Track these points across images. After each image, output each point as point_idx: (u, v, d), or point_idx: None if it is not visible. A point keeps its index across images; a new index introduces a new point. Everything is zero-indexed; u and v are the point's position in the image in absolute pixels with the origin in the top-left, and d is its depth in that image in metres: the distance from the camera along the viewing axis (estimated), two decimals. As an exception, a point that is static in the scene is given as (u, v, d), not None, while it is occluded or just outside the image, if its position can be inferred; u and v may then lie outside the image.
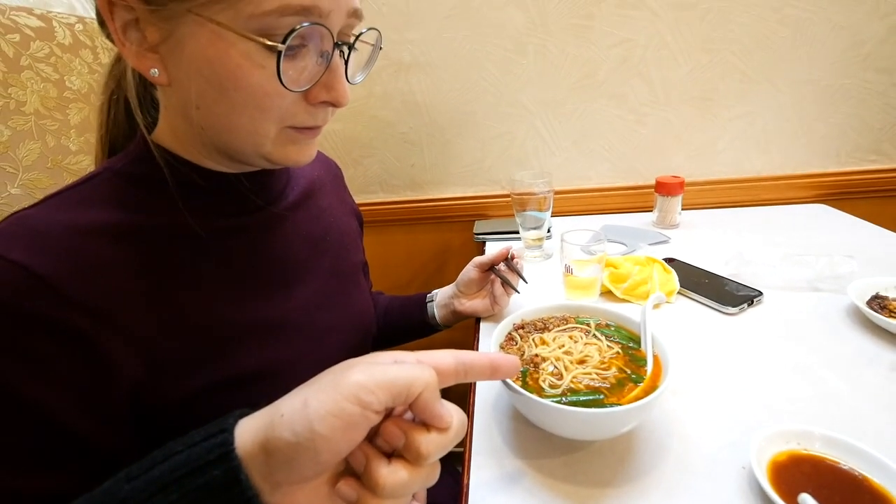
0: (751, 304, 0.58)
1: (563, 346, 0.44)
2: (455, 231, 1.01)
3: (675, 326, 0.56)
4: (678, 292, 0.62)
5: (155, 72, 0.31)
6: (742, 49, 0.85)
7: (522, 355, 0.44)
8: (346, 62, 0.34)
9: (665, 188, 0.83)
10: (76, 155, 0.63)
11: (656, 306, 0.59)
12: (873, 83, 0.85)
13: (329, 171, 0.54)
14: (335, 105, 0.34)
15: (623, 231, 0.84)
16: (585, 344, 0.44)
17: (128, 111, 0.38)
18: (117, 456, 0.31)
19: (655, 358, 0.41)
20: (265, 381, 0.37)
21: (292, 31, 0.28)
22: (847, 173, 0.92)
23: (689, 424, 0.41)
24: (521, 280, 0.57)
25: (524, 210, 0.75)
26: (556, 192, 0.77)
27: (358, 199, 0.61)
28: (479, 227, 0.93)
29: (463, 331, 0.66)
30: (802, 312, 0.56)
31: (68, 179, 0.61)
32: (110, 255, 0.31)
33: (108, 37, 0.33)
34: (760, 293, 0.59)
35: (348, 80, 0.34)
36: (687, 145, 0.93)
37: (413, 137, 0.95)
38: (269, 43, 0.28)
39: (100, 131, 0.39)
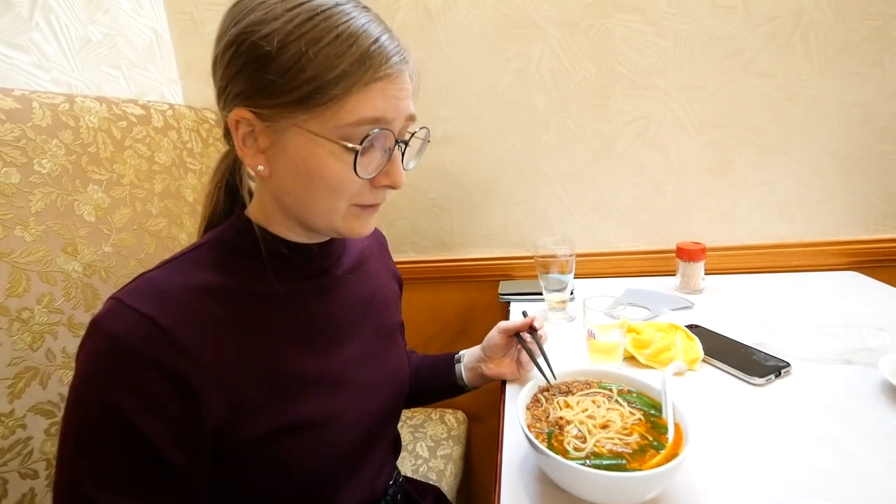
0: (778, 375, 0.59)
1: (587, 409, 0.47)
2: (480, 290, 1.07)
3: (700, 395, 0.58)
4: (702, 360, 0.64)
5: (261, 168, 0.41)
6: (754, 124, 0.92)
7: (547, 417, 0.48)
8: (403, 154, 0.43)
9: (686, 254, 0.88)
10: (156, 218, 0.75)
11: (678, 374, 0.61)
12: (894, 154, 0.90)
13: (377, 240, 0.63)
14: (393, 187, 0.43)
15: (646, 295, 0.88)
16: (608, 409, 0.47)
17: (228, 194, 0.48)
18: (198, 487, 0.38)
19: (676, 426, 0.44)
20: (318, 429, 0.43)
21: (367, 136, 0.38)
22: (880, 241, 0.94)
23: (714, 497, 0.42)
24: (547, 365, 0.55)
25: (547, 272, 0.80)
26: (579, 255, 0.82)
27: (390, 259, 0.68)
28: (504, 287, 0.99)
29: (489, 393, 0.70)
30: (833, 386, 0.57)
31: (147, 240, 0.73)
32: (213, 311, 0.39)
33: (229, 143, 0.45)
34: (788, 364, 0.60)
35: (403, 167, 0.44)
36: (707, 212, 0.98)
37: (443, 203, 1.05)
38: (350, 145, 0.38)
39: (205, 210, 0.49)
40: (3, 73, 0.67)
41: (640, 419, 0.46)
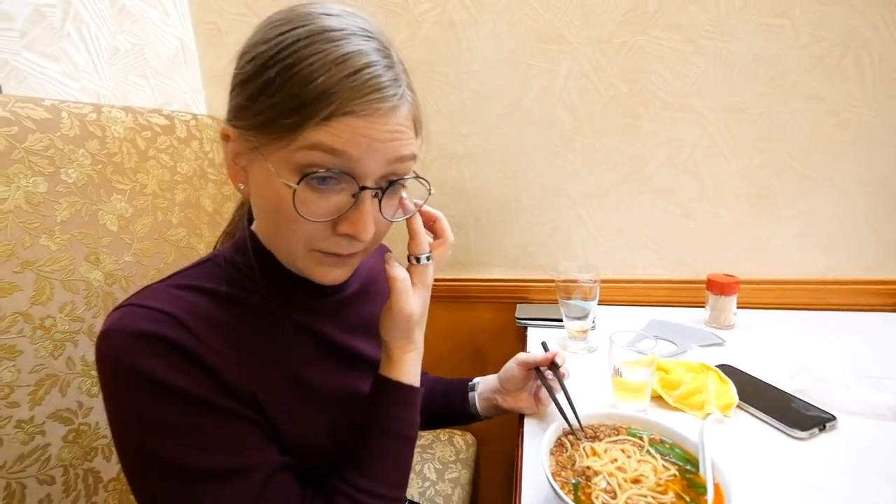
0: (822, 428, 0.55)
1: (616, 460, 0.45)
2: (496, 312, 1.05)
3: (734, 445, 0.54)
4: (737, 405, 0.60)
5: (241, 185, 0.41)
6: (798, 149, 0.88)
7: (573, 465, 0.45)
8: (380, 201, 0.38)
9: (718, 287, 0.84)
10: (176, 228, 0.76)
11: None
12: (949, 185, 0.85)
13: (384, 257, 0.62)
14: (354, 238, 0.37)
15: (672, 328, 0.85)
16: (639, 461, 0.45)
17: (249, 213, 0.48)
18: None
19: (716, 486, 0.41)
20: (323, 445, 0.43)
21: (306, 174, 0.35)
22: (933, 282, 0.88)
23: (756, 568, 0.39)
24: (570, 405, 0.54)
25: (569, 299, 0.78)
26: (601, 281, 0.80)
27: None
28: (522, 311, 0.96)
29: (505, 422, 0.67)
30: (885, 444, 0.53)
31: (167, 249, 0.73)
32: (217, 313, 0.40)
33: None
34: (833, 417, 0.57)
35: (386, 218, 0.39)
36: (739, 241, 0.94)
37: (460, 221, 1.03)
38: (283, 181, 0.35)
39: (229, 226, 0.50)
40: (35, 83, 0.68)
41: (674, 475, 0.43)
